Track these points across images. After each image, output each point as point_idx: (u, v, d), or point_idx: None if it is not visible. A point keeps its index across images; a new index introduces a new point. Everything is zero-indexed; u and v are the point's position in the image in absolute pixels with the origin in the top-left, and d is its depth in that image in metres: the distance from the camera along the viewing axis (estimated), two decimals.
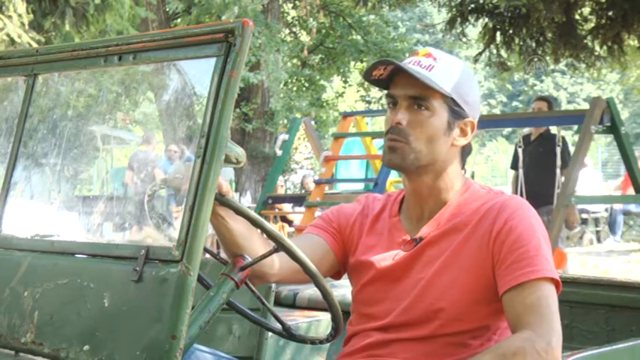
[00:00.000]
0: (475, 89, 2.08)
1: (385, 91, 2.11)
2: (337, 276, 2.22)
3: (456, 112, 2.03)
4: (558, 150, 7.40)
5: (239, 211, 1.80)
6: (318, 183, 9.20)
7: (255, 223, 1.81)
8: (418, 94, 2.00)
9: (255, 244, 1.91)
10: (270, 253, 1.85)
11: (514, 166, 7.92)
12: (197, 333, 1.77)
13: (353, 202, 2.24)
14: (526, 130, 7.75)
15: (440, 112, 2.01)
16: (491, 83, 36.42)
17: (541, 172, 7.48)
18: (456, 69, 2.03)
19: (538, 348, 1.80)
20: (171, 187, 1.91)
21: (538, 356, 1.79)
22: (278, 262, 2.00)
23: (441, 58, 2.03)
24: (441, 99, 2.01)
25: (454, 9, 10.82)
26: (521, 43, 10.63)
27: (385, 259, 2.08)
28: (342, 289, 2.99)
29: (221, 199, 1.76)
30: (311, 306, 3.36)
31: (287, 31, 18.12)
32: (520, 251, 1.92)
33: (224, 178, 1.76)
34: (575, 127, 9.89)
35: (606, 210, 13.68)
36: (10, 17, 7.81)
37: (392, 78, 2.04)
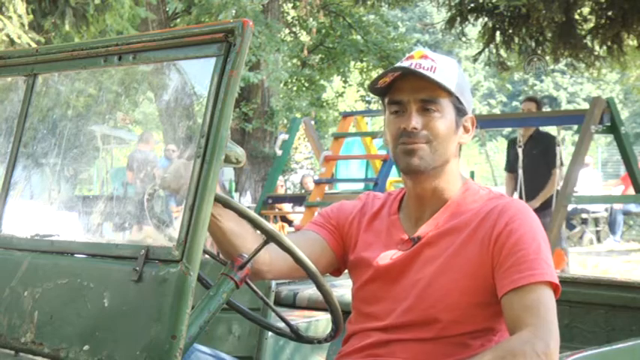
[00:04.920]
0: (468, 85, 2.10)
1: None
2: (337, 273, 2.22)
3: (460, 109, 2.05)
4: (558, 150, 7.40)
5: (239, 211, 1.81)
6: (318, 183, 9.20)
7: (246, 218, 1.81)
8: (428, 97, 2.00)
9: (248, 241, 1.92)
10: (263, 245, 1.85)
11: (509, 168, 7.89)
12: (197, 333, 1.77)
13: (354, 200, 2.24)
14: (521, 131, 7.74)
15: (448, 112, 2.02)
16: (491, 83, 36.41)
17: (536, 173, 7.46)
18: (454, 67, 2.05)
19: (537, 350, 1.80)
20: (165, 187, 1.90)
21: (537, 359, 1.79)
22: (271, 258, 2.00)
23: (437, 58, 2.04)
24: (448, 99, 2.02)
25: (453, 8, 10.83)
26: (521, 42, 10.64)
27: (383, 257, 2.08)
28: (342, 289, 2.99)
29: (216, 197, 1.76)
30: (311, 306, 3.36)
31: (287, 31, 18.12)
32: (520, 254, 1.92)
33: (224, 178, 1.76)
34: (575, 127, 9.90)
35: (606, 210, 13.67)
36: (10, 18, 7.81)
37: (392, 84, 2.03)
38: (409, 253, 2.05)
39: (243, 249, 1.89)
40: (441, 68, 2.01)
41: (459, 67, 2.07)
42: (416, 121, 2.00)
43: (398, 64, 2.03)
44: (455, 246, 2.00)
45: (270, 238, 1.83)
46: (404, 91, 2.02)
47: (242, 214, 1.81)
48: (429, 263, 2.02)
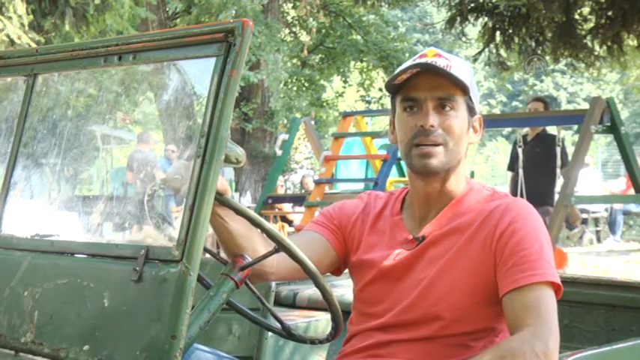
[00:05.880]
0: (476, 84, 2.10)
1: (389, 94, 2.09)
2: (337, 272, 2.22)
3: (472, 109, 2.05)
4: (558, 150, 7.39)
5: (238, 211, 1.80)
6: (318, 183, 9.20)
7: (255, 223, 1.80)
8: (445, 95, 1.99)
9: (255, 243, 1.90)
10: (270, 254, 1.84)
11: (511, 167, 7.89)
12: (197, 333, 1.77)
13: (355, 199, 2.23)
14: (523, 131, 7.74)
15: (462, 111, 2.02)
16: (491, 83, 36.42)
17: (538, 172, 7.46)
18: (466, 66, 2.05)
19: (537, 350, 1.79)
20: (170, 187, 1.90)
21: (537, 359, 1.79)
22: (277, 261, 1.99)
23: (450, 57, 2.03)
24: (462, 98, 2.01)
25: (453, 8, 10.84)
26: (521, 42, 10.65)
27: (387, 258, 2.07)
28: (342, 289, 2.99)
29: (220, 199, 1.76)
30: (311, 306, 3.36)
31: (287, 30, 18.12)
32: (522, 254, 1.91)
33: (224, 178, 1.76)
34: (575, 127, 9.90)
35: (606, 210, 13.67)
36: (9, 18, 7.81)
37: (407, 81, 2.01)
38: (413, 253, 2.05)
39: (250, 250, 1.88)
40: (456, 67, 2.00)
41: (470, 67, 2.07)
42: (433, 119, 1.98)
43: (413, 62, 2.01)
44: (458, 245, 2.00)
45: (280, 246, 1.82)
46: (420, 88, 2.00)
47: (252, 221, 1.80)
48: (432, 263, 2.01)
